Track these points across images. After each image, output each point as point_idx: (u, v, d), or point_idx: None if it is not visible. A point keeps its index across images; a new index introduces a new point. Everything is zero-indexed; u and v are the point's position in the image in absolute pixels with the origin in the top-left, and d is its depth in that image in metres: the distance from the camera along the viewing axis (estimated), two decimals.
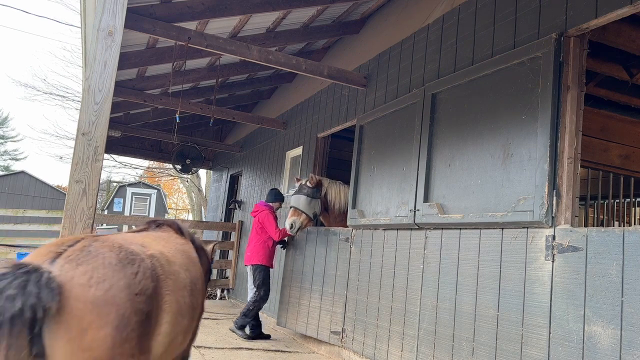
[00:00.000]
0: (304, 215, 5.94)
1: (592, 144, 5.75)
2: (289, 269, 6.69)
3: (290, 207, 6.02)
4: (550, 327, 3.11)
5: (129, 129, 9.87)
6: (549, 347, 3.09)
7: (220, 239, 11.22)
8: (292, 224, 5.93)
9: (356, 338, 5.19)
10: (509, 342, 3.39)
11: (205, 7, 5.25)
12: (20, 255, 12.02)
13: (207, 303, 9.77)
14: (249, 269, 6.63)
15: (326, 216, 6.31)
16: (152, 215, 27.84)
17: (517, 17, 3.78)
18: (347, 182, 6.02)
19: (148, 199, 28.35)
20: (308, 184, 6.04)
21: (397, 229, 4.82)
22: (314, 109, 7.45)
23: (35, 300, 1.63)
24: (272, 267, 6.57)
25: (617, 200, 5.99)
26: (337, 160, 8.26)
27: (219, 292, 10.56)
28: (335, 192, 6.16)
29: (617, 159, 5.99)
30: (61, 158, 23.77)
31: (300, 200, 5.96)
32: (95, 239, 2.01)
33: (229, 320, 7.84)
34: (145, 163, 23.60)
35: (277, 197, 6.78)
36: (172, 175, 24.07)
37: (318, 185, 6.08)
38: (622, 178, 5.86)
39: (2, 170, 41.79)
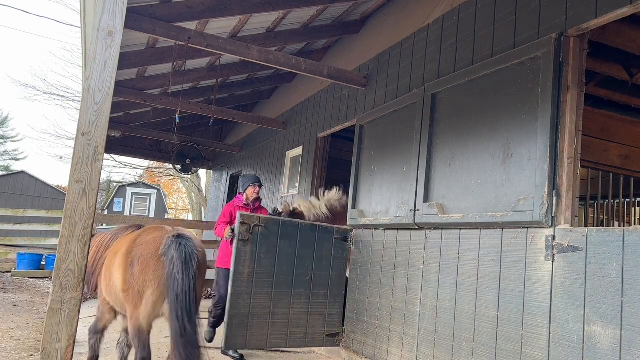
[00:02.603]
0: None
1: (592, 144, 5.75)
2: (244, 272, 4.98)
3: None
4: (550, 327, 3.11)
5: (129, 129, 9.87)
6: (549, 347, 3.09)
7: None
8: None
9: (356, 338, 5.19)
10: (509, 342, 3.39)
11: (205, 7, 5.25)
12: (20, 255, 12.05)
13: (207, 303, 9.75)
14: None
15: None
16: (152, 215, 27.82)
17: (517, 17, 3.78)
18: (347, 182, 6.02)
19: (148, 199, 28.35)
20: (279, 209, 6.22)
21: (397, 229, 4.82)
22: (314, 109, 7.45)
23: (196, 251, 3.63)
24: (227, 267, 5.42)
25: (617, 200, 5.99)
26: (337, 160, 8.26)
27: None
28: (305, 205, 6.18)
29: (617, 159, 5.99)
30: (61, 158, 23.79)
31: None
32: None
33: None
34: (145, 163, 23.60)
35: (244, 182, 5.87)
36: (172, 175, 24.07)
37: (289, 212, 6.14)
38: (622, 178, 5.85)
39: (2, 170, 41.79)
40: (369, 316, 5.05)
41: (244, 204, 5.74)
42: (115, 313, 4.04)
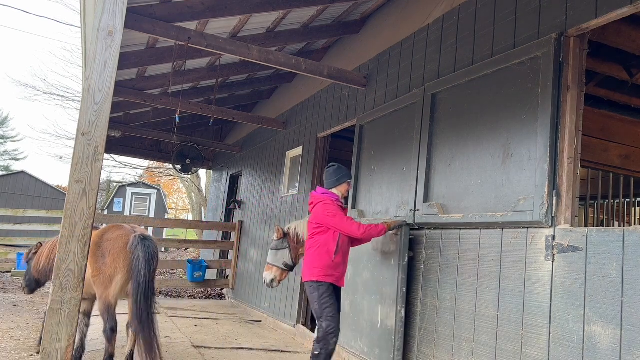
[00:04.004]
0: (274, 268, 5.89)
1: (592, 144, 5.75)
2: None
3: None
4: (550, 327, 3.11)
5: (129, 129, 9.87)
6: (549, 347, 3.09)
7: (220, 239, 11.23)
8: (264, 279, 5.93)
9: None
10: (509, 342, 3.39)
11: (205, 7, 5.25)
12: (20, 255, 12.03)
13: (207, 303, 9.77)
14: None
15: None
16: (152, 215, 27.81)
17: (517, 17, 3.78)
18: None
19: (148, 199, 28.32)
20: (274, 237, 6.01)
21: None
22: (314, 109, 7.45)
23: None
24: (337, 284, 4.32)
25: (617, 200, 5.99)
26: (337, 160, 8.23)
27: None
28: (302, 228, 6.06)
29: (617, 159, 6.00)
30: (61, 158, 23.79)
31: (269, 255, 5.98)
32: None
33: (228, 320, 7.85)
34: (145, 163, 23.61)
35: (340, 176, 4.51)
36: (172, 175, 24.07)
37: (283, 236, 6.00)
38: (622, 178, 5.86)
39: (2, 170, 41.78)
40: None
41: (340, 202, 4.49)
42: (84, 300, 4.78)
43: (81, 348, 4.80)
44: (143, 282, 4.26)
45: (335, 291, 4.30)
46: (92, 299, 4.83)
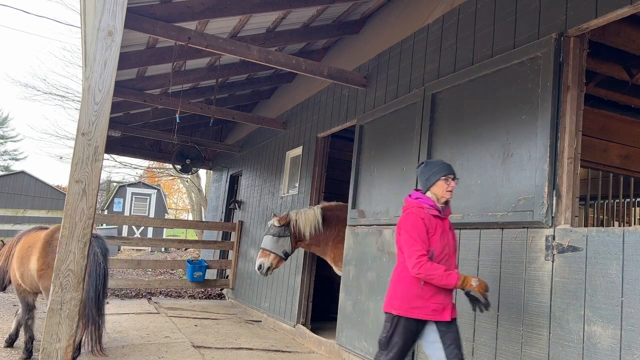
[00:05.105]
0: (272, 255, 5.75)
1: (592, 144, 5.74)
2: None
3: (260, 249, 5.95)
4: (550, 327, 3.11)
5: (129, 129, 9.86)
6: (549, 347, 3.09)
7: (220, 239, 11.23)
8: (260, 265, 5.80)
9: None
10: (509, 342, 3.39)
11: (205, 7, 5.25)
12: None
13: (207, 303, 9.78)
14: None
15: (309, 244, 6.06)
16: (152, 215, 27.81)
17: (517, 17, 3.78)
18: (347, 182, 6.02)
19: (148, 199, 28.32)
20: (275, 223, 5.84)
21: None
22: (314, 109, 7.45)
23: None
24: (418, 317, 3.12)
25: (617, 200, 5.99)
26: (337, 160, 8.25)
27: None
28: (304, 218, 5.91)
29: (617, 159, 5.99)
30: (61, 158, 23.77)
31: (267, 241, 5.85)
32: None
33: (228, 320, 7.85)
34: (145, 163, 23.59)
35: (430, 174, 3.30)
36: (172, 175, 24.06)
37: (286, 224, 5.84)
38: (622, 178, 5.85)
39: (2, 170, 41.77)
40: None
41: (435, 210, 3.25)
42: (30, 293, 5.25)
43: (15, 335, 5.45)
44: (101, 275, 4.70)
45: (439, 328, 3.16)
46: (36, 293, 5.26)
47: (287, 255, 5.95)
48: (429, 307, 3.11)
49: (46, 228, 5.49)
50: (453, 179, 3.29)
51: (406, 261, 3.10)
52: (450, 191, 3.28)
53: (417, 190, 3.42)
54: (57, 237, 4.83)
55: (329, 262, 6.23)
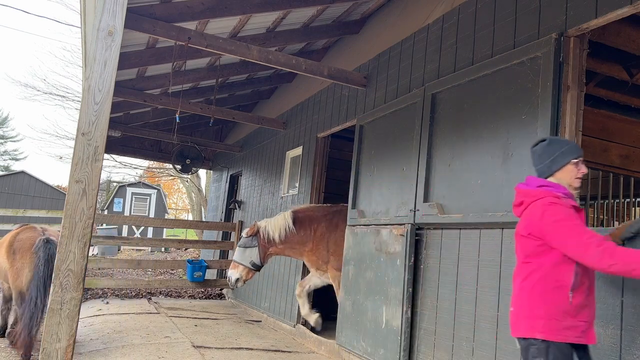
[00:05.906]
0: (240, 267, 5.69)
1: (592, 144, 5.75)
2: None
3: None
4: None
5: (129, 129, 9.86)
6: None
7: (220, 239, 11.23)
8: (229, 277, 5.76)
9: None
10: (509, 342, 3.39)
11: (205, 7, 5.25)
12: None
13: (207, 303, 9.78)
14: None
15: (283, 249, 5.97)
16: (152, 215, 27.81)
17: (517, 17, 3.78)
18: (347, 182, 6.02)
19: (148, 199, 28.30)
20: (243, 234, 5.81)
21: None
22: (314, 109, 7.45)
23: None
24: (580, 341, 2.44)
25: (617, 200, 6.00)
26: (337, 160, 8.25)
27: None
28: (273, 224, 5.85)
29: (617, 159, 5.99)
30: (61, 158, 23.78)
31: (236, 252, 5.86)
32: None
33: (228, 320, 7.85)
34: (145, 163, 23.60)
35: (556, 155, 2.63)
36: (172, 175, 24.06)
37: (254, 234, 5.78)
38: (622, 178, 5.86)
39: (2, 170, 41.77)
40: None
41: (572, 200, 2.60)
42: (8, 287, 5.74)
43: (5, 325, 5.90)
44: (42, 278, 5.15)
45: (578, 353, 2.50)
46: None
47: (256, 267, 5.83)
48: (579, 327, 2.40)
49: (31, 227, 5.91)
50: (583, 162, 2.64)
51: (576, 257, 2.34)
52: (580, 178, 2.62)
53: (532, 177, 2.70)
54: (19, 238, 5.49)
55: (308, 265, 6.13)
